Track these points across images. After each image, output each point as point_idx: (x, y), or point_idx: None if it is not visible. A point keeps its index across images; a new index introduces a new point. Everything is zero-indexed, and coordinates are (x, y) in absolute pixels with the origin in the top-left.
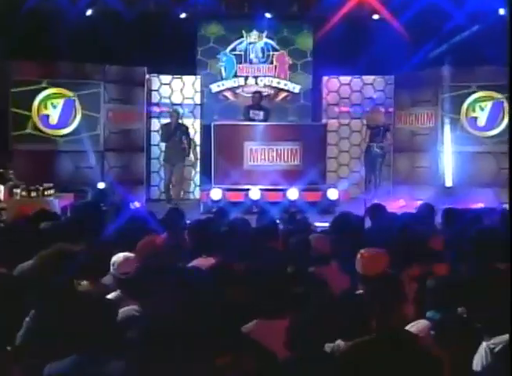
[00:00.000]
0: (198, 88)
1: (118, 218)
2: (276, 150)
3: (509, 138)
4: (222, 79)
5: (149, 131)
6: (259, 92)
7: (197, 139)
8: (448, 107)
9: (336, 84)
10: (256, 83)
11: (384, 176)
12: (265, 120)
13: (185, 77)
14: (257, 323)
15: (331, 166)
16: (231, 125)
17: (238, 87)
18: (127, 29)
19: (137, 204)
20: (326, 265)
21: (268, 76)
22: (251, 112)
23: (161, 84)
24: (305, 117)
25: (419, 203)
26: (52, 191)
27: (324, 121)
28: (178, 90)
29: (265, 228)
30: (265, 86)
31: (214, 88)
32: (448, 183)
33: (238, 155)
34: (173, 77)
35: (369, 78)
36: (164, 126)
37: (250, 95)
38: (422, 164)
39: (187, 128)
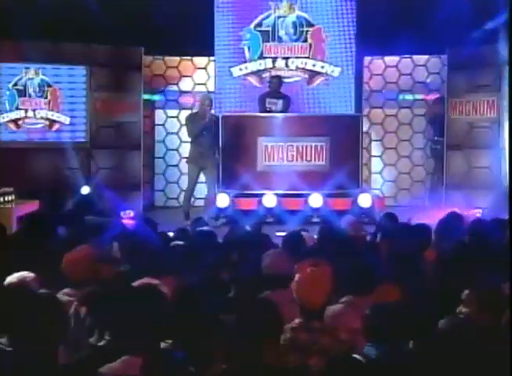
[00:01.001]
0: (212, 72)
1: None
2: (297, 147)
3: (509, 136)
4: (245, 61)
5: (153, 125)
6: (278, 77)
7: None
8: None
9: (380, 66)
10: (286, 65)
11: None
12: (283, 110)
13: (196, 59)
14: (126, 359)
15: (375, 167)
16: (242, 117)
17: (264, 70)
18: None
19: (130, 213)
20: (282, 289)
21: (302, 57)
22: (267, 101)
23: (167, 67)
24: (346, 106)
25: (476, 211)
26: (10, 197)
27: (366, 110)
28: (187, 74)
29: (229, 242)
30: (297, 69)
31: (236, 71)
32: None
33: (250, 153)
34: (181, 59)
35: (421, 58)
36: (193, 116)
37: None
38: (481, 164)
39: (218, 118)
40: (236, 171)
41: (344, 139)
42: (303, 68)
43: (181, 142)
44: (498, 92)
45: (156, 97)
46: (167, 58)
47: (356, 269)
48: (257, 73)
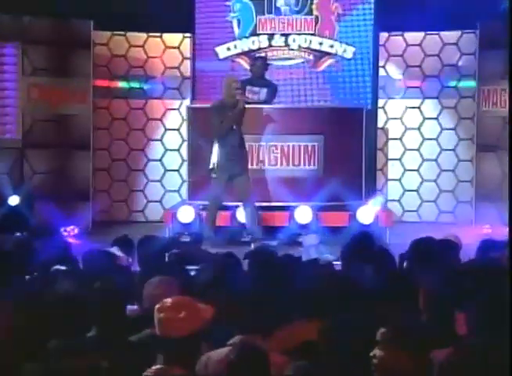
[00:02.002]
0: (187, 53)
1: None
2: (282, 147)
3: (509, 137)
4: (234, 39)
5: (111, 119)
6: (262, 58)
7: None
8: None
9: (400, 45)
10: (286, 44)
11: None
12: (268, 101)
13: (167, 36)
14: None
15: (393, 172)
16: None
17: (259, 50)
18: None
19: (74, 230)
20: None
21: (306, 33)
22: (248, 89)
23: (130, 46)
24: (360, 96)
25: None
26: None
27: (383, 101)
28: (156, 55)
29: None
30: (299, 49)
31: (222, 52)
32: None
33: None
34: (148, 36)
35: (451, 35)
36: (218, 107)
37: (275, 63)
38: None
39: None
40: (205, 177)
41: (342, 138)
42: (307, 48)
43: (148, 140)
44: None
45: (116, 84)
46: (130, 34)
47: (263, 303)
48: (250, 53)
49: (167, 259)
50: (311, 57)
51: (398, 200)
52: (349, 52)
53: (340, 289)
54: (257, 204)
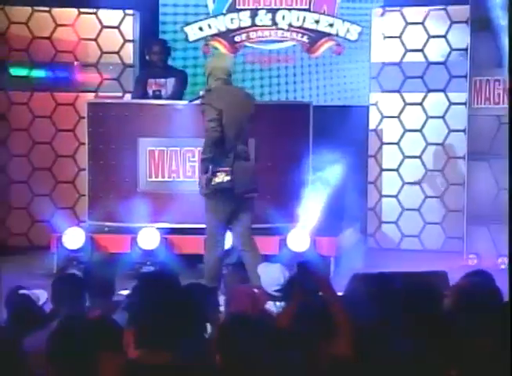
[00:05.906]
0: (130, 34)
1: None
2: None
3: (509, 137)
4: (208, 16)
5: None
6: (159, 41)
7: None
8: None
9: (398, 24)
10: (274, 23)
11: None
12: (175, 94)
13: (103, 13)
14: None
15: (389, 187)
16: (113, 106)
17: (239, 31)
18: None
19: None
20: None
21: (298, 9)
22: (150, 82)
23: (57, 25)
24: (364, 90)
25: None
26: None
27: (375, 95)
28: (89, 37)
29: None
30: (290, 29)
31: (193, 32)
32: None
33: (126, 164)
34: (80, 12)
35: (461, 11)
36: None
37: (260, 47)
38: None
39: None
40: (105, 192)
41: (278, 143)
42: (300, 27)
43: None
44: None
45: (39, 73)
46: (56, 11)
47: None
48: (228, 35)
49: None
50: (305, 39)
51: (395, 222)
52: (353, 32)
53: None
54: (168, 225)
